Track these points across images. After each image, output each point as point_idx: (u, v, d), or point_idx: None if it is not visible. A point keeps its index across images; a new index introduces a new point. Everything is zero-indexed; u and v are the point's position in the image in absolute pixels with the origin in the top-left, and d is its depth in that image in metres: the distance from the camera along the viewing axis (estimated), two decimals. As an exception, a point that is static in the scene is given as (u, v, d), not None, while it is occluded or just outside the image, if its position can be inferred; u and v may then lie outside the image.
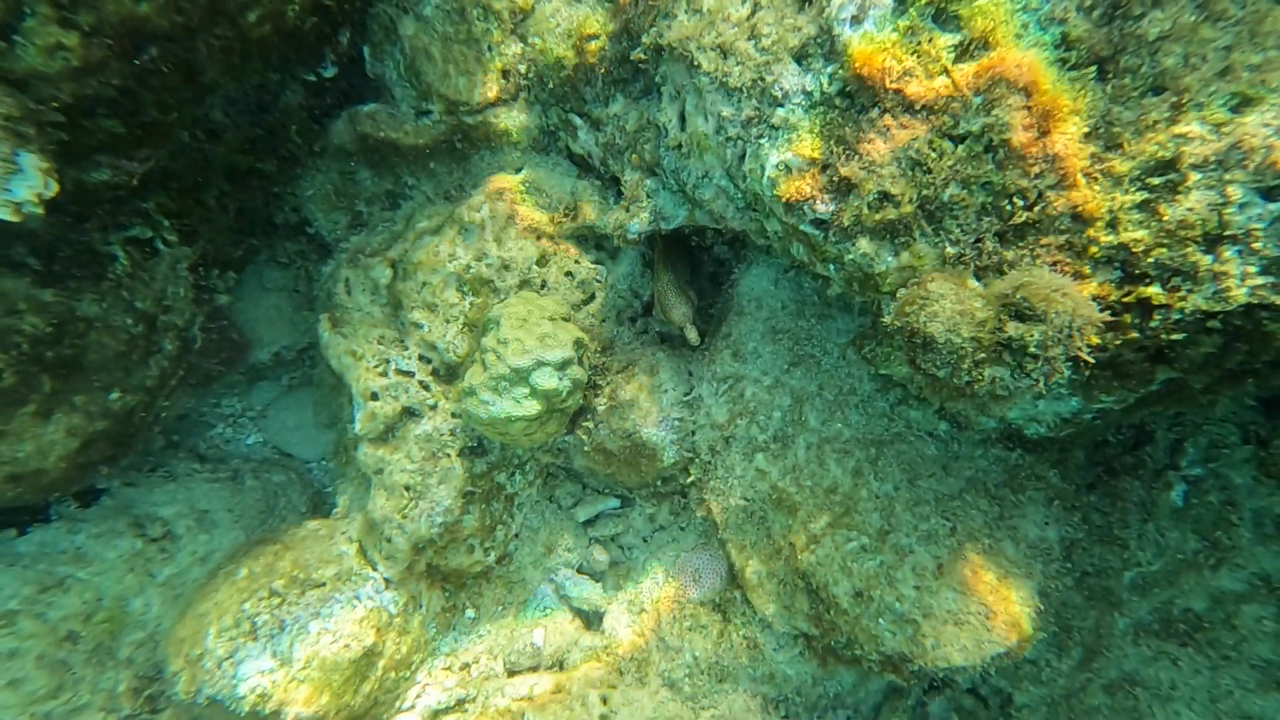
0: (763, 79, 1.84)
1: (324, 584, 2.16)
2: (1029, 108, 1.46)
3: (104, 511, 2.61)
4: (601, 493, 3.03)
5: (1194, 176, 1.30)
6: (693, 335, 2.50)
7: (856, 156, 1.69)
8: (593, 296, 2.72)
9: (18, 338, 1.67)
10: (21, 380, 1.71)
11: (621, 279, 2.79)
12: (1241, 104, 1.26)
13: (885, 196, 1.66)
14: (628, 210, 2.44)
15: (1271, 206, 1.23)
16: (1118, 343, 1.46)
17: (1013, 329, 1.41)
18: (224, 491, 3.07)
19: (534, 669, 2.75)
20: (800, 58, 1.79)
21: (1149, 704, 2.10)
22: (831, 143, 1.74)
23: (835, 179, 1.74)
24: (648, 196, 2.41)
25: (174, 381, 2.44)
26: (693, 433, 2.59)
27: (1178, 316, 1.36)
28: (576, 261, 2.67)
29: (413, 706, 2.46)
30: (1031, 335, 1.38)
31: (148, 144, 1.84)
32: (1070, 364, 1.40)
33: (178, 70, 1.68)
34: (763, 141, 1.87)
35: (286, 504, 3.28)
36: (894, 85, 1.61)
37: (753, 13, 1.89)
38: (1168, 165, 1.33)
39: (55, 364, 1.79)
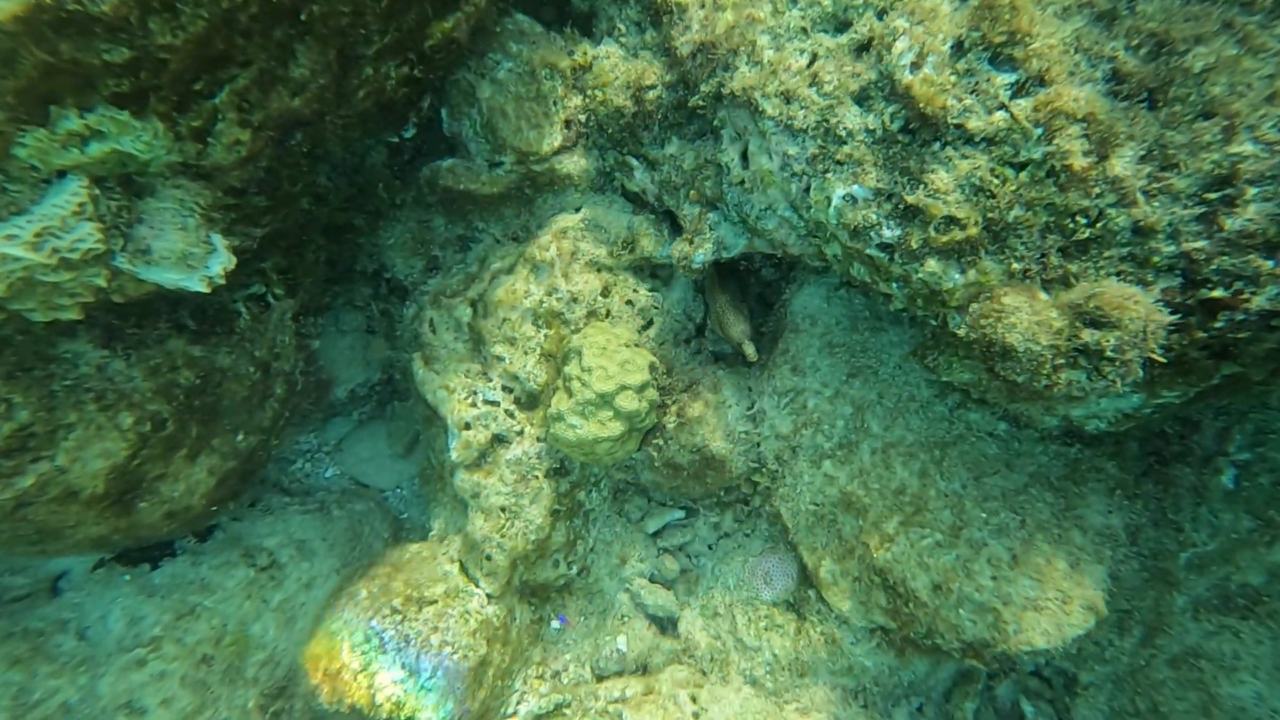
0: (826, 120, 1.93)
1: (436, 601, 2.23)
2: (1087, 135, 1.55)
3: (218, 545, 2.69)
4: (666, 505, 3.09)
5: (1250, 190, 1.38)
6: (750, 351, 2.58)
7: (921, 185, 1.78)
8: (651, 322, 2.81)
9: (177, 390, 1.76)
10: (179, 427, 1.80)
11: (676, 304, 2.88)
12: (1290, 124, 1.34)
13: (951, 220, 1.75)
14: (691, 242, 2.53)
15: (1327, 214, 1.31)
16: (1184, 343, 1.54)
17: (1088, 335, 1.48)
18: (315, 522, 3.15)
19: (620, 674, 2.79)
20: (861, 100, 1.89)
21: (1214, 675, 2.12)
22: (896, 174, 1.83)
23: (901, 206, 1.83)
24: (710, 229, 2.50)
25: (282, 422, 2.53)
26: (758, 444, 2.66)
27: (1242, 317, 1.43)
28: (635, 290, 2.76)
29: (515, 713, 2.51)
30: (1108, 340, 1.45)
31: (275, 212, 1.95)
32: (1142, 365, 1.47)
33: (310, 148, 1.79)
34: (828, 175, 1.96)
35: (371, 531, 3.35)
36: (955, 121, 1.71)
37: (811, 62, 1.99)
38: (1224, 181, 1.42)
39: (201, 411, 1.88)
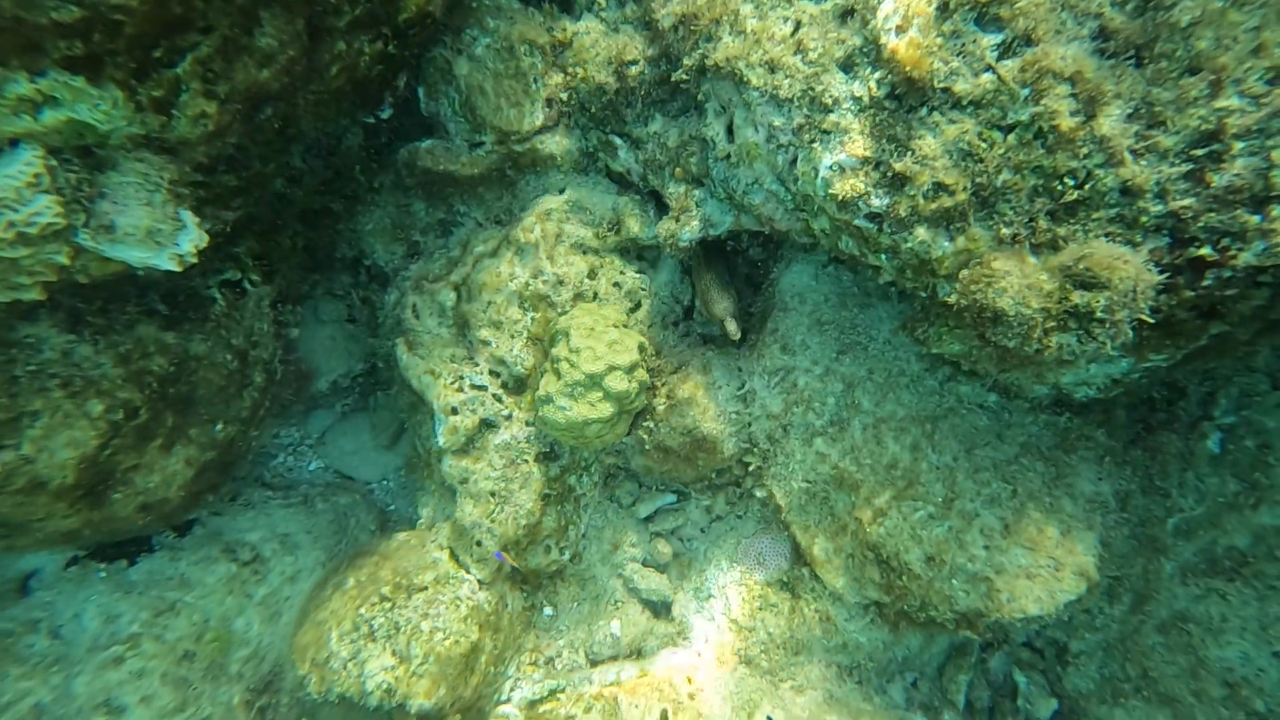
0: (812, 89, 1.90)
1: (426, 588, 2.18)
2: (1075, 94, 1.53)
3: (198, 540, 2.62)
4: (658, 489, 3.07)
5: (1237, 145, 1.37)
6: (733, 328, 2.55)
7: (909, 152, 1.75)
8: (639, 304, 2.78)
9: (149, 377, 1.70)
10: (152, 416, 1.74)
11: (663, 286, 2.85)
12: (1278, 77, 1.33)
13: (939, 186, 1.73)
14: (678, 220, 2.50)
15: (1314, 167, 1.31)
16: (1172, 303, 1.53)
17: (1078, 297, 1.47)
18: (299, 515, 3.09)
19: (614, 658, 2.77)
20: (847, 67, 1.86)
21: (1201, 638, 2.15)
22: (883, 141, 1.80)
23: (889, 174, 1.81)
24: (697, 205, 2.47)
25: (262, 412, 2.46)
26: (749, 424, 2.64)
27: (1229, 274, 1.43)
28: (622, 272, 2.73)
29: (509, 699, 2.48)
30: (1098, 301, 1.44)
31: (247, 194, 1.88)
32: (1131, 326, 1.46)
33: (281, 125, 1.73)
34: (815, 145, 1.93)
35: (356, 523, 3.29)
36: (941, 85, 1.68)
37: (795, 30, 1.96)
38: (1211, 137, 1.41)
39: (175, 400, 1.82)
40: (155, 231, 1.35)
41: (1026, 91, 1.58)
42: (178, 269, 1.42)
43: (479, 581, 2.38)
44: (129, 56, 1.19)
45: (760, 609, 2.66)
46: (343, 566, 2.33)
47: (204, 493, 2.18)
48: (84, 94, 1.16)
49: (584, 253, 2.68)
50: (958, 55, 1.66)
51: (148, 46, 1.21)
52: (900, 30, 1.73)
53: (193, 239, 1.41)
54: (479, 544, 2.39)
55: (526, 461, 2.51)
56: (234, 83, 1.46)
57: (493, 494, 2.43)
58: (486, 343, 2.60)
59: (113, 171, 1.30)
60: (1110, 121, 1.51)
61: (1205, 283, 1.47)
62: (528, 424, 2.56)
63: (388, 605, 2.07)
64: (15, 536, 1.65)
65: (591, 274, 2.68)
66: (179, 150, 1.43)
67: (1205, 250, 1.44)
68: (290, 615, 2.57)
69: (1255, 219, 1.37)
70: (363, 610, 2.04)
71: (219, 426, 2.11)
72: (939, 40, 1.67)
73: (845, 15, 1.88)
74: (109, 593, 2.13)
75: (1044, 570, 1.93)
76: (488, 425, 2.53)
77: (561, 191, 2.75)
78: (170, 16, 1.20)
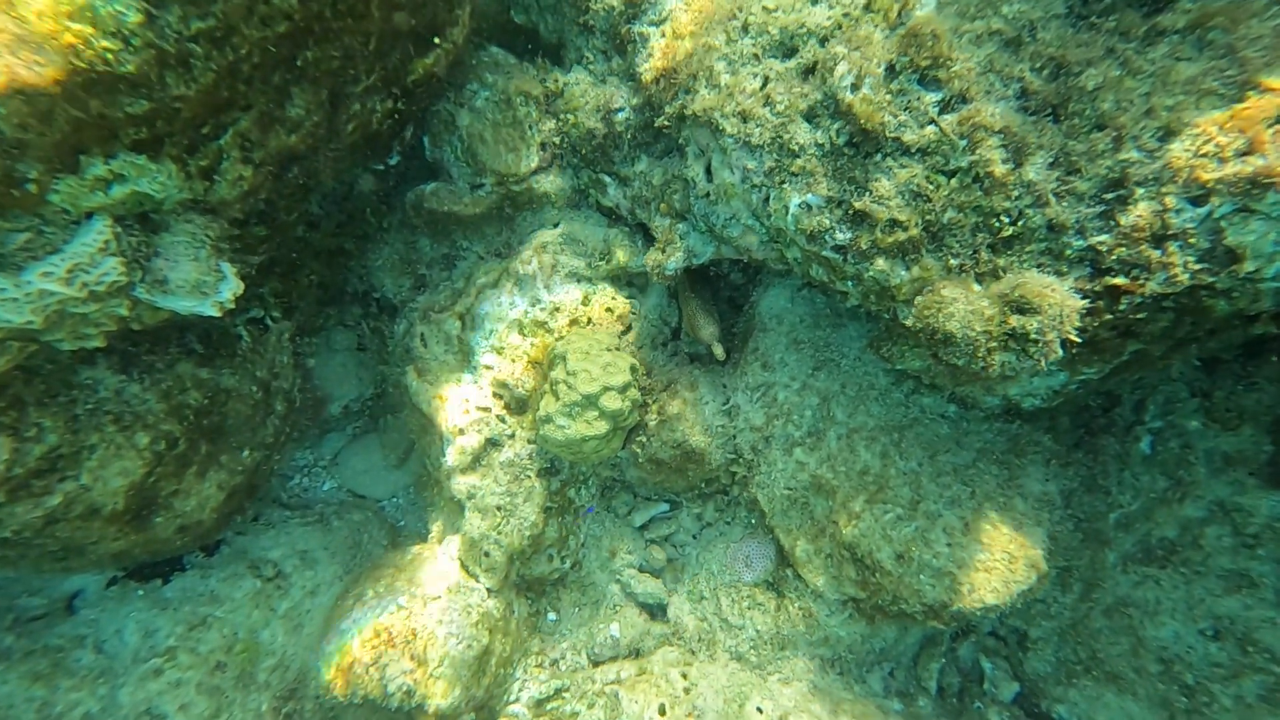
0: (780, 136, 2.08)
1: (440, 597, 2.31)
2: (1005, 145, 1.72)
3: (225, 558, 2.73)
4: (651, 499, 3.21)
5: (1139, 191, 1.56)
6: (719, 351, 2.72)
7: (867, 193, 1.93)
8: (630, 327, 2.93)
9: (187, 410, 1.83)
10: (189, 446, 1.86)
11: (652, 310, 3.01)
12: (1166, 134, 1.52)
13: (894, 223, 1.91)
14: (663, 251, 2.66)
15: (1200, 210, 1.49)
16: (1095, 324, 1.71)
17: (1015, 321, 1.64)
18: (316, 533, 3.20)
19: (614, 659, 2.89)
20: (810, 117, 2.04)
21: (1140, 620, 2.31)
22: (844, 183, 1.99)
23: (850, 212, 1.99)
24: (680, 238, 2.64)
25: (283, 437, 2.59)
26: (734, 437, 2.79)
27: (1139, 300, 1.61)
28: (613, 298, 2.88)
29: (518, 699, 2.59)
30: (1031, 324, 1.61)
31: (271, 240, 2.02)
32: (1062, 345, 1.64)
33: (304, 181, 1.88)
34: (785, 186, 2.11)
35: (370, 539, 3.40)
36: (892, 135, 1.87)
37: (764, 85, 2.14)
38: (1118, 183, 1.59)
39: (208, 430, 1.94)
40: (201, 283, 1.49)
41: (964, 142, 1.76)
42: (218, 314, 1.56)
43: (488, 590, 2.50)
44: (183, 135, 1.33)
45: (749, 608, 2.80)
46: (361, 579, 2.45)
47: (233, 514, 2.30)
48: (146, 170, 1.30)
49: (578, 281, 2.84)
50: (905, 110, 1.85)
51: (199, 125, 1.35)
52: (855, 87, 1.92)
53: (232, 288, 1.55)
54: (487, 555, 2.52)
55: (529, 477, 2.65)
56: (267, 149, 1.61)
57: (499, 508, 2.56)
58: (490, 367, 2.74)
59: (165, 233, 1.44)
60: (1035, 169, 1.69)
61: (1121, 307, 1.65)
62: (529, 442, 2.70)
63: (405, 614, 2.19)
64: (72, 559, 1.76)
65: (585, 301, 2.84)
66: (219, 209, 1.57)
67: (1120, 279, 1.62)
68: (312, 626, 2.68)
69: (1157, 253, 1.55)
70: (383, 619, 2.16)
71: (246, 453, 2.23)
72: (888, 97, 1.86)
73: (807, 72, 2.06)
74: (147, 609, 2.24)
75: (999, 564, 2.10)
76: (493, 444, 2.67)
77: (556, 226, 2.92)
78: (219, 100, 1.35)
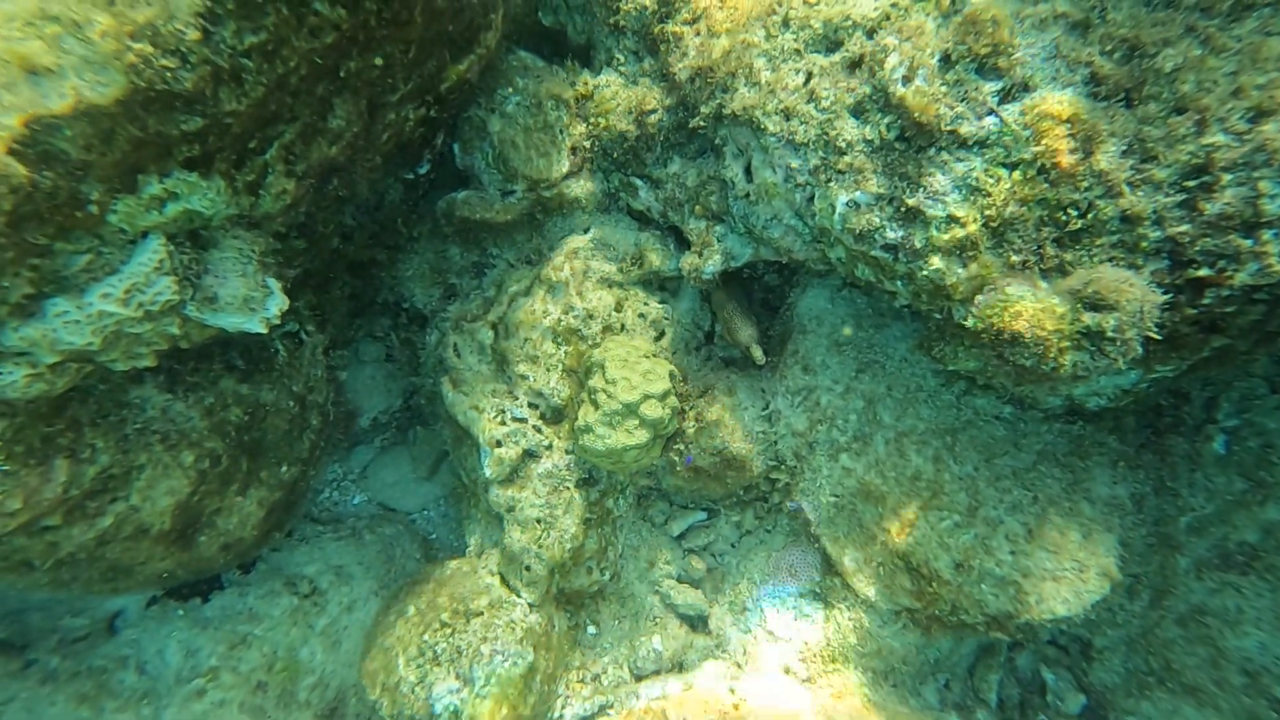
0: (826, 133, 2.02)
1: (482, 612, 2.27)
2: (1073, 134, 1.65)
3: (261, 575, 2.71)
4: (688, 507, 3.15)
5: (1226, 177, 1.48)
6: (758, 354, 2.66)
7: (920, 189, 1.87)
8: (663, 333, 2.89)
9: (229, 426, 1.81)
10: (231, 463, 1.85)
11: (685, 314, 2.96)
12: (1258, 115, 1.44)
13: (951, 219, 1.84)
14: (701, 254, 2.61)
15: (1298, 195, 1.42)
16: (1175, 319, 1.63)
17: (1089, 318, 1.57)
18: (350, 547, 3.18)
19: (658, 673, 2.83)
20: (857, 112, 1.98)
21: (1219, 629, 2.21)
22: (895, 179, 1.92)
23: (902, 209, 1.92)
24: (717, 240, 2.59)
25: (318, 451, 2.57)
26: (775, 443, 2.73)
27: (1227, 293, 1.53)
28: (646, 303, 2.84)
29: (561, 717, 2.55)
30: (1108, 321, 1.54)
31: (308, 253, 2.01)
32: (1142, 342, 1.56)
33: (343, 192, 1.86)
34: (831, 184, 2.05)
35: (402, 552, 3.38)
36: (948, 128, 1.80)
37: (807, 80, 2.09)
38: (1201, 169, 1.52)
39: (249, 446, 1.93)
40: (250, 299, 1.47)
41: (1028, 133, 1.69)
42: (265, 331, 1.54)
43: (529, 604, 2.46)
44: (231, 150, 1.31)
45: (795, 619, 2.73)
46: (402, 594, 2.42)
47: (273, 531, 2.28)
48: (197, 187, 1.28)
49: (610, 286, 2.80)
50: (962, 101, 1.78)
51: (246, 140, 1.33)
52: (907, 79, 1.86)
53: (279, 303, 1.53)
54: (528, 568, 2.48)
55: (568, 488, 2.61)
56: (309, 161, 1.58)
57: (538, 520, 2.52)
58: (525, 376, 2.71)
59: (214, 249, 1.43)
60: (1107, 157, 1.62)
61: (1205, 300, 1.57)
62: (567, 452, 2.66)
63: (448, 630, 2.16)
64: (120, 579, 1.75)
65: (618, 307, 2.79)
66: (262, 223, 1.55)
67: (1203, 271, 1.54)
68: (349, 643, 2.66)
69: (1248, 243, 1.47)
70: (426, 636, 2.13)
71: (284, 468, 2.22)
72: (943, 89, 1.80)
73: (853, 66, 2.00)
74: (188, 628, 2.23)
75: (1069, 572, 2.01)
76: (530, 455, 2.63)
77: (586, 231, 2.88)
78: (267, 114, 1.32)
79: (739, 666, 2.74)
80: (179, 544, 1.80)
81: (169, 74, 1.08)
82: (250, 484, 1.99)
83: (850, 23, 2.01)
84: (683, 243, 2.80)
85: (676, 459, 2.81)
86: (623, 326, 2.80)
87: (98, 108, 1.03)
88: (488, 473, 2.56)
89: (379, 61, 1.59)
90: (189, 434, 1.71)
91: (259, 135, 1.37)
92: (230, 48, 1.15)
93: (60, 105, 1.01)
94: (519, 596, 2.48)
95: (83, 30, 0.99)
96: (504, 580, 2.52)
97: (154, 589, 2.16)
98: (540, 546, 2.50)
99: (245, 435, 1.91)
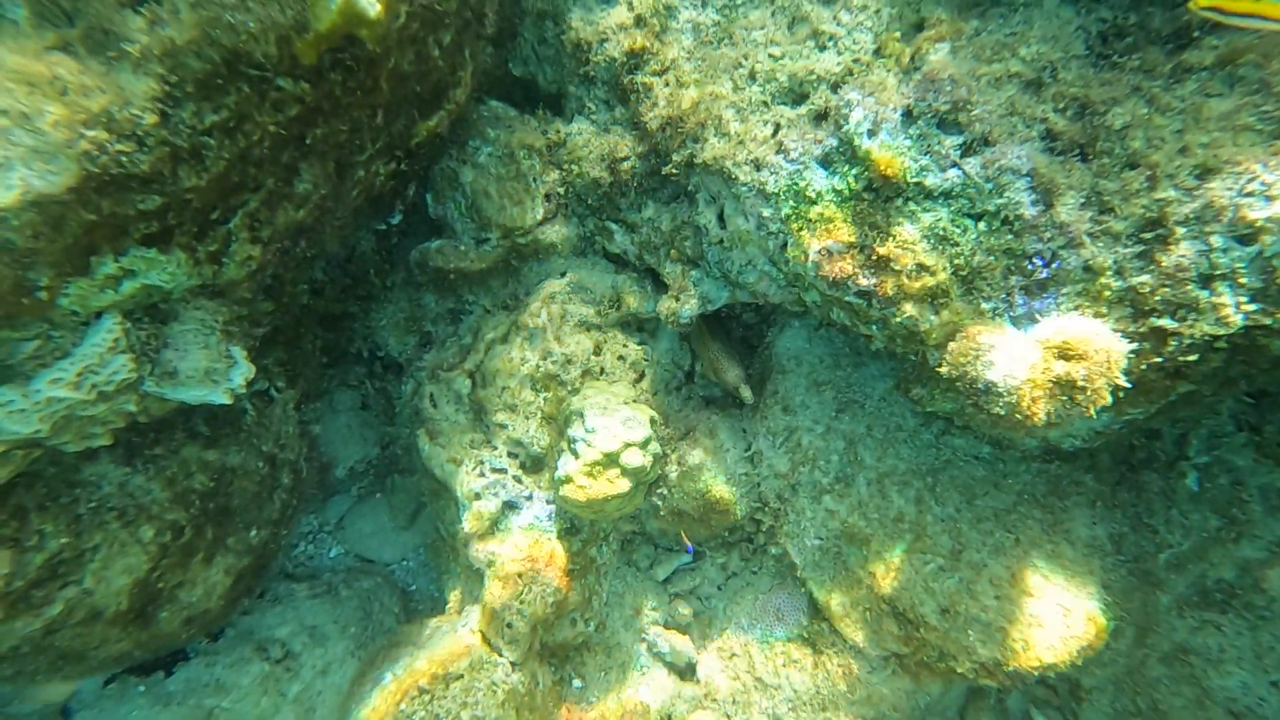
0: (795, 184, 2.06)
1: (462, 675, 2.20)
2: (1033, 187, 1.70)
3: (230, 642, 2.61)
4: (674, 550, 3.11)
5: (1179, 230, 1.53)
6: (747, 394, 2.67)
7: (890, 238, 1.90)
8: (643, 374, 2.88)
9: (192, 495, 1.75)
10: (195, 533, 1.78)
11: (665, 354, 2.96)
12: (1205, 172, 1.50)
13: (921, 267, 1.87)
14: (678, 299, 2.62)
15: (1249, 249, 1.46)
16: (1141, 366, 1.66)
17: (1060, 368, 1.60)
18: (325, 605, 3.08)
19: (645, 727, 2.76)
20: (825, 163, 2.02)
21: (1203, 668, 2.22)
22: (865, 228, 1.96)
23: (873, 257, 1.95)
24: (693, 285, 2.60)
25: (290, 511, 2.50)
26: (758, 484, 2.72)
27: (1190, 341, 1.57)
28: (625, 345, 2.84)
29: (547, 782, 2.46)
30: (1077, 371, 1.57)
31: (276, 312, 1.98)
32: (1112, 390, 1.59)
33: (310, 251, 1.84)
34: (803, 233, 2.08)
35: (381, 607, 3.29)
36: (914, 180, 1.85)
37: (775, 132, 2.13)
38: (1156, 223, 1.56)
39: (214, 513, 1.87)
40: (212, 370, 1.44)
41: (990, 185, 1.74)
42: (230, 402, 1.50)
43: (512, 664, 2.40)
44: (192, 223, 1.29)
45: (784, 665, 2.69)
46: (378, 659, 2.35)
47: (241, 597, 2.20)
48: (156, 262, 1.26)
49: (588, 330, 2.80)
50: (926, 154, 1.83)
51: (208, 212, 1.32)
52: (872, 133, 1.90)
53: (244, 372, 1.50)
54: (510, 625, 2.42)
55: (550, 540, 2.56)
56: (275, 226, 1.57)
57: (520, 575, 2.47)
58: (503, 425, 2.68)
59: (174, 322, 1.40)
60: (1067, 209, 1.66)
61: (1169, 348, 1.61)
62: (548, 502, 2.62)
63: (427, 698, 2.09)
64: (70, 666, 1.66)
65: (597, 350, 2.78)
66: (227, 291, 1.53)
67: (1165, 320, 1.58)
68: (324, 711, 2.56)
69: (1204, 294, 1.51)
70: (404, 705, 2.05)
71: (253, 532, 2.15)
72: (907, 143, 1.84)
73: (819, 118, 2.05)
74: (149, 706, 2.13)
75: (1054, 617, 2.01)
76: (510, 506, 2.59)
77: (563, 275, 2.88)
78: (229, 185, 1.31)
79: (729, 717, 2.68)
80: (137, 623, 1.73)
81: (125, 158, 1.07)
82: (216, 552, 1.92)
83: (815, 76, 2.06)
84: (660, 283, 2.81)
85: (659, 503, 2.78)
86: (602, 370, 2.79)
87: (47, 196, 1.01)
88: (467, 527, 2.51)
89: (345, 127, 1.59)
90: (148, 507, 1.65)
91: (222, 206, 1.35)
92: (190, 127, 1.14)
93: (7, 198, 0.98)
94: (501, 655, 2.42)
95: (32, 121, 0.98)
96: (485, 639, 2.45)
97: (111, 670, 2.06)
98: (522, 602, 2.44)
99: (210, 503, 1.85)
